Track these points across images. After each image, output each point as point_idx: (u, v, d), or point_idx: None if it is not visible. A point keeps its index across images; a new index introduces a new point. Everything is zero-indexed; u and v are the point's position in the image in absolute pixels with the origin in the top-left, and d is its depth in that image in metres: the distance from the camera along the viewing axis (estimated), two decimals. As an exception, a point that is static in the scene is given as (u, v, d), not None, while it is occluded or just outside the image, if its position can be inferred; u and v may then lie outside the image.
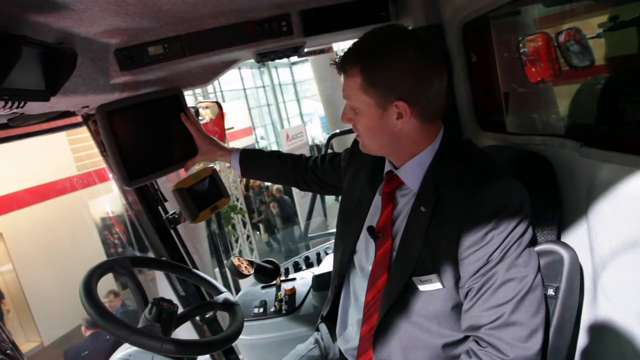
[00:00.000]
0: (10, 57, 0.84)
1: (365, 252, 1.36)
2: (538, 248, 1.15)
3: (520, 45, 1.52)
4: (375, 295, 1.26)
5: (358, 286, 1.39)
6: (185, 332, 1.72)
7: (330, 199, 9.50)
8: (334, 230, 1.53)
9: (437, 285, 1.13)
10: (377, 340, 1.23)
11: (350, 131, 3.65)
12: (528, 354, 1.02)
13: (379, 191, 1.36)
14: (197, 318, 1.72)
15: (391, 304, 1.19)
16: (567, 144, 1.16)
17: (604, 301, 1.05)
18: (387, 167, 1.31)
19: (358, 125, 1.21)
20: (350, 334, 1.40)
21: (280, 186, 10.68)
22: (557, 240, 1.22)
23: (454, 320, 1.16)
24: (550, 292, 1.10)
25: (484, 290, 1.06)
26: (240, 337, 1.44)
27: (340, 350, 1.47)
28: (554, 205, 1.22)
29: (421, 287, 1.15)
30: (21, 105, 0.95)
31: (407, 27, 1.21)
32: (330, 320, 1.58)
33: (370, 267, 1.30)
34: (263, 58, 1.66)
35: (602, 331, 1.06)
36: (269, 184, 11.19)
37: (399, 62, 1.11)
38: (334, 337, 1.55)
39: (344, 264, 1.45)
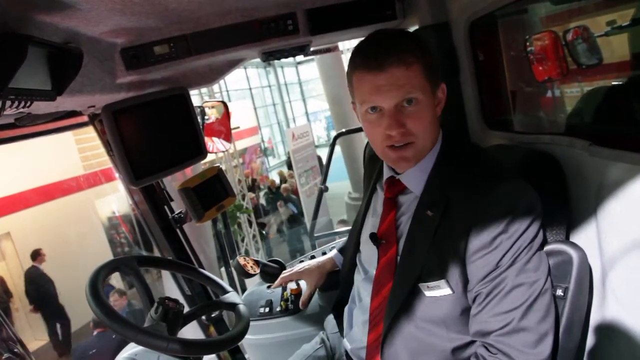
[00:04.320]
0: (17, 57, 0.84)
1: (368, 256, 1.37)
2: (547, 248, 1.14)
3: (528, 43, 1.51)
4: (381, 303, 1.25)
5: (362, 288, 1.39)
6: (192, 331, 1.72)
7: (333, 200, 9.50)
8: (340, 229, 1.55)
9: (447, 291, 1.12)
10: (385, 347, 1.22)
11: (355, 130, 3.64)
12: None
13: (375, 195, 1.41)
14: (203, 317, 1.72)
15: (397, 309, 1.18)
16: (576, 142, 1.14)
17: (613, 302, 1.03)
18: (387, 174, 1.31)
19: (414, 126, 1.13)
20: (356, 334, 1.40)
21: (288, 186, 10.72)
22: (566, 240, 1.20)
23: (462, 323, 1.14)
24: (559, 292, 1.08)
25: (493, 295, 1.05)
26: (246, 336, 1.44)
27: (346, 351, 1.46)
28: (563, 205, 1.21)
29: (428, 293, 1.14)
30: (27, 104, 0.95)
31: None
32: (338, 316, 1.61)
33: (374, 272, 1.30)
34: (269, 57, 1.66)
35: (612, 332, 1.04)
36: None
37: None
38: (342, 332, 1.55)
39: (349, 263, 1.53)
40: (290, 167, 12.42)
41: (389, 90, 1.09)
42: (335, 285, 1.77)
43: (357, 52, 1.15)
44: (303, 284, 2.02)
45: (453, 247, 1.09)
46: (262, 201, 11.61)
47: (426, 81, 1.12)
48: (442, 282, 1.11)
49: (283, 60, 1.74)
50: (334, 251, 1.83)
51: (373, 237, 1.30)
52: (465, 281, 1.10)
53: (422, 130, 1.14)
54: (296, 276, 1.79)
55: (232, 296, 1.54)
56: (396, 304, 1.18)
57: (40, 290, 6.59)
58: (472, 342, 1.15)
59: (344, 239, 2.28)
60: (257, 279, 2.05)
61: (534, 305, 1.02)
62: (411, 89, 1.09)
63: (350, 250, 1.54)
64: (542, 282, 1.04)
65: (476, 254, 1.06)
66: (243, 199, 9.25)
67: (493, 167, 1.15)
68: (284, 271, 1.86)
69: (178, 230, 1.93)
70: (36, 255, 6.64)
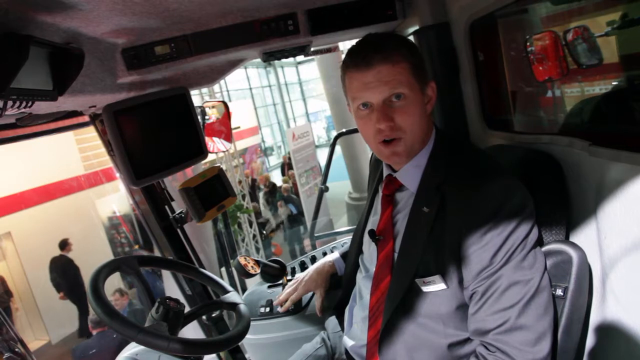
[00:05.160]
0: (19, 57, 0.84)
1: (369, 254, 1.40)
2: (546, 248, 1.14)
3: (528, 43, 1.51)
4: (380, 299, 1.27)
5: (363, 286, 1.41)
6: (192, 331, 1.72)
7: (333, 198, 9.47)
8: (340, 229, 1.56)
9: (441, 286, 1.13)
10: (382, 343, 1.23)
11: (355, 130, 3.64)
12: (537, 358, 1.02)
13: (377, 196, 1.43)
14: (204, 317, 1.72)
15: (395, 305, 1.19)
16: (576, 143, 1.14)
17: (613, 302, 1.03)
18: (386, 171, 1.34)
19: (402, 120, 1.17)
20: (356, 331, 1.41)
21: (288, 185, 10.70)
22: (566, 240, 1.20)
23: (458, 319, 1.16)
24: (559, 292, 1.09)
25: (489, 293, 1.06)
26: (247, 336, 1.44)
27: (346, 350, 1.47)
28: (563, 205, 1.21)
29: (424, 289, 1.16)
30: (29, 104, 0.96)
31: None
32: (340, 316, 1.63)
33: (374, 269, 1.31)
34: (269, 57, 1.66)
35: (611, 332, 1.04)
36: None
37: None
38: (344, 331, 1.56)
39: (352, 264, 1.54)
40: (284, 171, 12.33)
41: (376, 86, 1.15)
42: (335, 286, 1.77)
43: (348, 54, 1.21)
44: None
45: (448, 243, 1.12)
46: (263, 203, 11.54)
47: (413, 78, 1.17)
48: (437, 277, 1.13)
49: (283, 60, 1.74)
50: (336, 253, 1.84)
51: (372, 233, 1.33)
52: (460, 277, 1.12)
53: (410, 124, 1.18)
54: (303, 292, 1.82)
55: (232, 296, 1.54)
56: (395, 300, 1.19)
57: (70, 278, 6.76)
58: (468, 340, 1.16)
59: (344, 239, 2.29)
60: (257, 279, 2.06)
61: (530, 303, 1.03)
62: (397, 85, 1.15)
63: (354, 252, 1.56)
64: (538, 280, 1.05)
65: (469, 250, 1.08)
66: (243, 199, 9.25)
67: (487, 165, 1.16)
68: (288, 290, 1.88)
69: (179, 230, 1.93)
70: (64, 244, 6.85)
